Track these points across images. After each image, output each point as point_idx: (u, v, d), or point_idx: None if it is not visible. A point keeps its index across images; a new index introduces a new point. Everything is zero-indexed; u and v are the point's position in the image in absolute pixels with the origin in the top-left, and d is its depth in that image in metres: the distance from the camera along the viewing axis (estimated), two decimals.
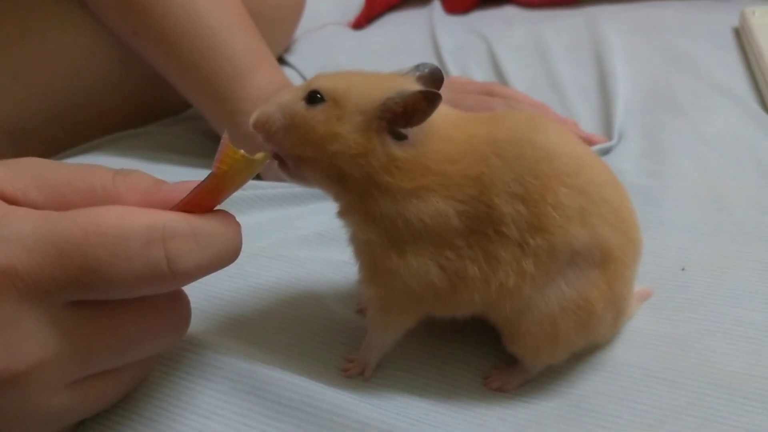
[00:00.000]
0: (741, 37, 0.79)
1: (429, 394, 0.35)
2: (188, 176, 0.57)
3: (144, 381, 0.34)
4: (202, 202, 0.29)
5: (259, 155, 0.29)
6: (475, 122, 0.34)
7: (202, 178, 0.29)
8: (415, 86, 0.32)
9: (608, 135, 0.60)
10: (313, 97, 0.32)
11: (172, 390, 0.35)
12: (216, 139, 0.61)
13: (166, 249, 0.27)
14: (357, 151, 0.31)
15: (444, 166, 0.31)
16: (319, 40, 0.85)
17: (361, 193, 0.32)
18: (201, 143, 0.63)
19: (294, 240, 0.47)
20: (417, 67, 0.34)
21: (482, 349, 0.37)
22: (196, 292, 0.31)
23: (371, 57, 0.81)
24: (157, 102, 0.68)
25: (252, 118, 0.33)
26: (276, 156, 0.33)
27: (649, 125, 0.61)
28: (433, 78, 0.34)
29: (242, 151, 0.28)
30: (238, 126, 0.57)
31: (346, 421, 0.32)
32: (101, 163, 0.56)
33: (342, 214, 0.34)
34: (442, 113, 0.32)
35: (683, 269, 0.43)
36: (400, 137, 0.31)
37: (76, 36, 0.59)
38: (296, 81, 0.71)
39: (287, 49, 0.82)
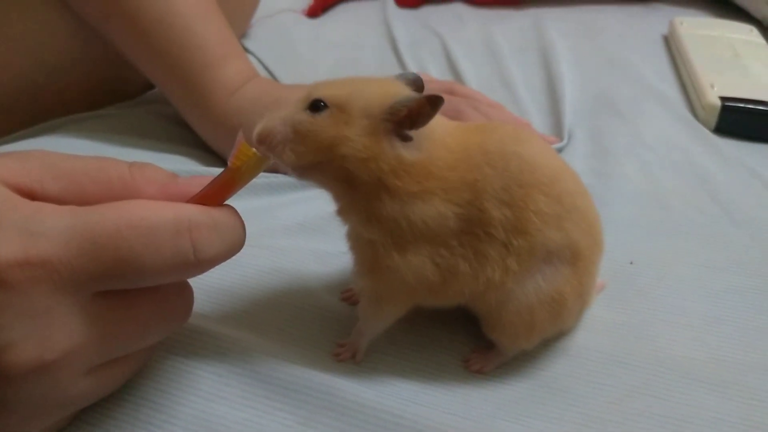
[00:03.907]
0: (670, 44, 0.86)
1: (416, 377, 0.38)
2: (154, 160, 0.58)
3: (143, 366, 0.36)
4: (215, 195, 0.32)
5: None
6: (466, 132, 0.36)
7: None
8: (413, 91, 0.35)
9: (558, 135, 0.64)
10: (317, 105, 0.33)
11: (171, 374, 0.36)
12: (182, 124, 0.62)
13: (192, 239, 0.29)
14: (366, 154, 0.33)
15: (445, 172, 0.34)
16: (276, 27, 0.85)
17: (368, 194, 0.34)
18: (163, 127, 0.63)
19: (276, 229, 0.48)
20: (400, 76, 0.36)
21: (461, 335, 0.40)
22: None
23: (331, 47, 0.82)
24: (117, 81, 0.67)
25: (255, 133, 0.33)
26: None
27: (593, 127, 0.66)
28: (416, 86, 0.36)
29: (254, 149, 0.31)
30: (207, 115, 0.58)
31: (343, 401, 0.35)
32: (67, 144, 0.57)
33: (341, 212, 0.36)
34: (439, 122, 0.34)
35: (631, 263, 0.47)
36: (406, 138, 0.33)
37: (33, 11, 0.58)
38: (257, 68, 0.72)
39: (245, 35, 0.82)
